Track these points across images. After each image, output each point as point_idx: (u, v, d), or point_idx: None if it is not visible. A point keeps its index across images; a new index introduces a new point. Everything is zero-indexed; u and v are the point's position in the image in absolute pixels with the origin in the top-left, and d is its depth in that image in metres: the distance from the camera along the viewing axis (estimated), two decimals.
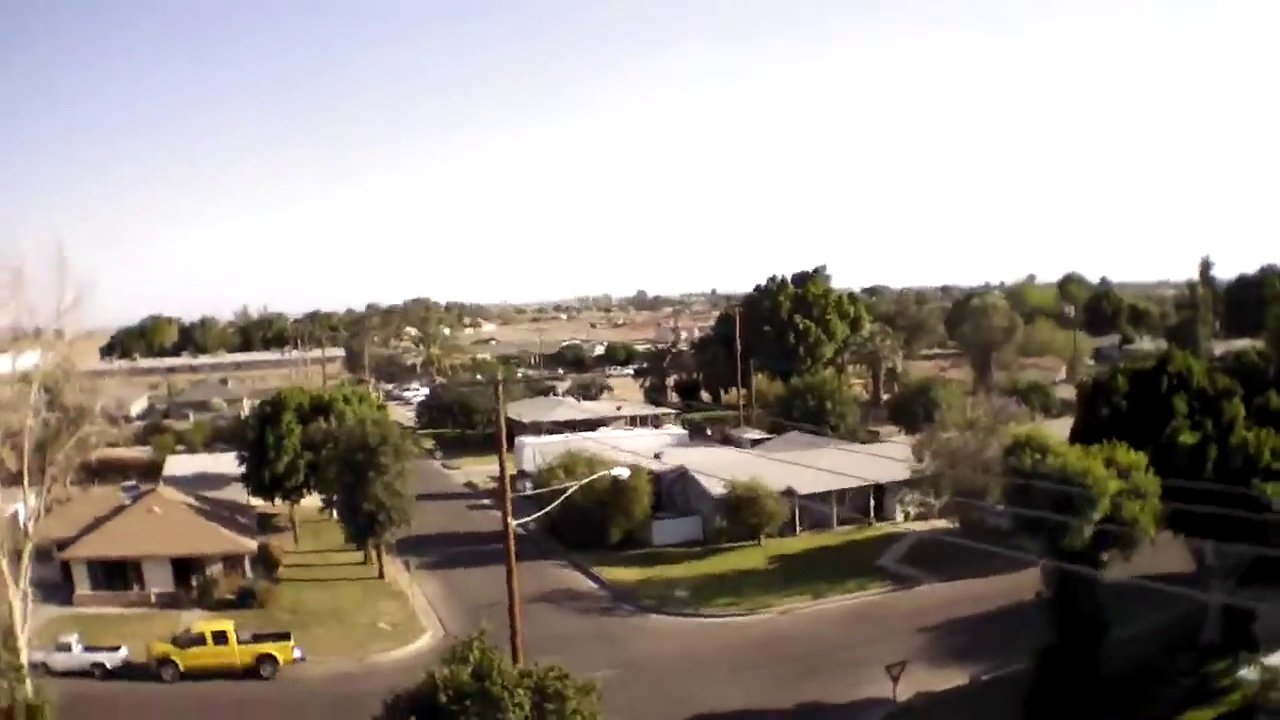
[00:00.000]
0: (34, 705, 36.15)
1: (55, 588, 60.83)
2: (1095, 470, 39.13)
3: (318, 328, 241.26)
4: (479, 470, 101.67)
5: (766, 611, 58.12)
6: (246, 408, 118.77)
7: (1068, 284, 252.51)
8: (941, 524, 71.87)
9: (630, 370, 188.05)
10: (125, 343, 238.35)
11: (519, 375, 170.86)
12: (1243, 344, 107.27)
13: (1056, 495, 38.10)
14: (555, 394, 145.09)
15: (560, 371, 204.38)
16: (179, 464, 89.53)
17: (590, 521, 70.20)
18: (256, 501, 77.17)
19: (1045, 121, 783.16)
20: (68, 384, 46.67)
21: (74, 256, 44.27)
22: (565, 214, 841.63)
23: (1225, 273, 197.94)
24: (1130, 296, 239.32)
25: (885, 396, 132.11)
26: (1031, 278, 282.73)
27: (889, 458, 74.44)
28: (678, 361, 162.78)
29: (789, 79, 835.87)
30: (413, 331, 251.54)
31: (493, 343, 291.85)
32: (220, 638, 50.12)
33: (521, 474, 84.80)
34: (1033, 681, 40.51)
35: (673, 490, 77.15)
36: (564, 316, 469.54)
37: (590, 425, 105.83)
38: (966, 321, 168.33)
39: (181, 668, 49.37)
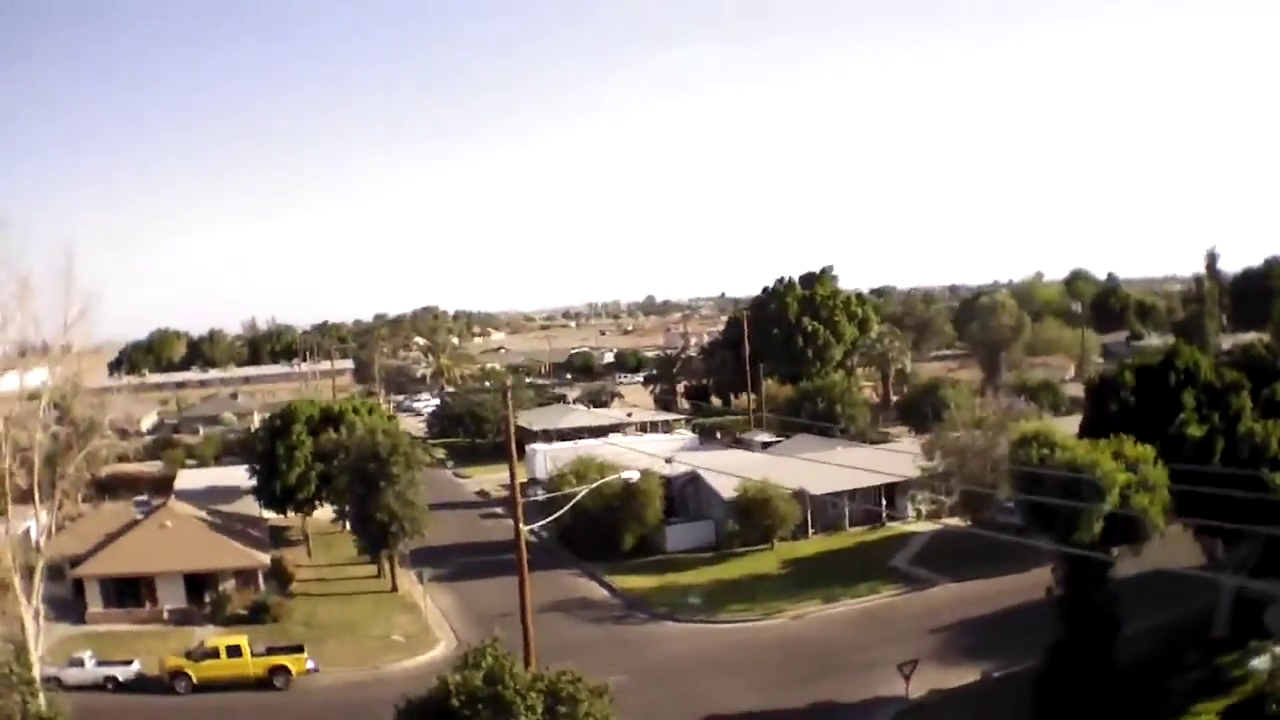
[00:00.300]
0: (47, 718, 36.23)
1: (68, 605, 61.03)
2: (1103, 463, 39.05)
3: (326, 339, 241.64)
4: (491, 479, 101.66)
5: (780, 616, 58.03)
6: (256, 421, 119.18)
7: (1075, 281, 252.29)
8: (954, 522, 71.83)
9: (640, 377, 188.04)
10: (133, 357, 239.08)
11: (527, 383, 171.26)
12: (1249, 337, 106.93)
13: (1065, 487, 38.06)
14: (565, 402, 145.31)
15: (569, 378, 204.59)
16: (190, 478, 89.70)
17: (602, 529, 70.12)
18: (269, 514, 77.31)
19: (1051, 118, 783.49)
20: (76, 398, 46.85)
21: (80, 267, 44.28)
22: (573, 219, 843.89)
23: (1231, 266, 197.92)
24: (1137, 292, 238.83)
25: (895, 398, 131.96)
26: (1039, 275, 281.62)
27: (901, 453, 74.28)
28: (687, 367, 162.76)
29: (794, 81, 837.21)
30: (421, 341, 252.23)
31: (502, 351, 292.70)
32: (234, 651, 50.34)
33: (533, 481, 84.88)
34: (1042, 676, 40.48)
35: (684, 495, 77.15)
36: (573, 323, 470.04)
37: (601, 432, 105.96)
38: (974, 321, 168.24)
39: (195, 680, 49.62)
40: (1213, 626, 45.91)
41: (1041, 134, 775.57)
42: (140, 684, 50.50)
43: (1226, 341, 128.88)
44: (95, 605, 61.60)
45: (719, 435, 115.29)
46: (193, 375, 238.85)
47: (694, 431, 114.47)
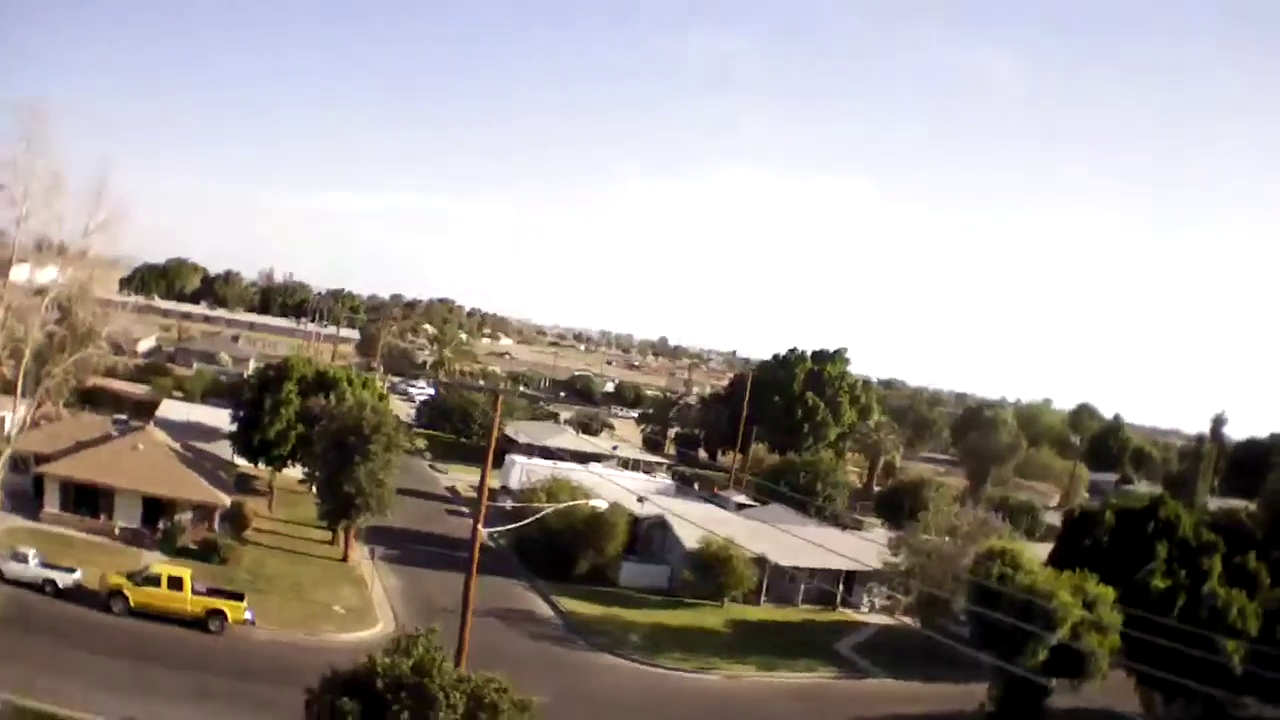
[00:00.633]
0: None
1: (25, 500, 61.48)
2: (1062, 595, 39.26)
3: (339, 305, 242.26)
4: (465, 479, 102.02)
5: (714, 673, 57.80)
6: (251, 368, 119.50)
7: (1080, 413, 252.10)
8: (905, 620, 71.77)
9: (635, 413, 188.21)
10: (146, 279, 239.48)
11: (523, 394, 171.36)
12: (1238, 504, 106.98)
13: (1021, 609, 38.22)
14: (556, 421, 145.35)
15: (562, 395, 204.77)
16: (173, 409, 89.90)
17: (560, 548, 70.29)
18: (241, 462, 77.56)
19: (1087, 259, 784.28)
20: (81, 303, 47.11)
21: (114, 179, 44.68)
22: (603, 248, 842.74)
23: (1237, 433, 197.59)
24: (1139, 438, 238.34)
25: (877, 488, 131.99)
26: (1047, 401, 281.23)
27: (869, 542, 74.33)
28: (683, 414, 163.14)
29: (836, 180, 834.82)
30: (430, 329, 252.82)
31: (506, 357, 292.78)
32: (176, 583, 50.12)
33: (505, 490, 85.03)
34: None
35: (650, 536, 77.16)
36: (582, 346, 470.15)
37: (584, 458, 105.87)
38: (973, 431, 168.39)
39: (132, 603, 49.46)
40: None
41: (1070, 268, 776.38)
42: (78, 594, 50.36)
43: (1214, 504, 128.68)
44: (51, 505, 61.87)
45: (697, 487, 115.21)
46: (200, 310, 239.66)
47: (674, 478, 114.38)
